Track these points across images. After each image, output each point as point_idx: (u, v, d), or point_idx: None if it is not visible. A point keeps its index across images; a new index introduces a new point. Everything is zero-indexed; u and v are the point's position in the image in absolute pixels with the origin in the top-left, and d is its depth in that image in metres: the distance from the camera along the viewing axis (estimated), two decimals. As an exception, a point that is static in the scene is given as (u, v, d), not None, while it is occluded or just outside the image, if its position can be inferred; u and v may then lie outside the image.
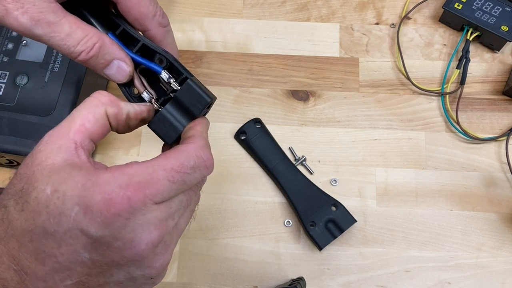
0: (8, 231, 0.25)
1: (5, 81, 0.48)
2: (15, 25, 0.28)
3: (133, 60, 0.32)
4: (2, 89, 0.48)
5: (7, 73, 0.49)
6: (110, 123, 0.28)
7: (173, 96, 0.31)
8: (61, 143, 0.26)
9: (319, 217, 0.49)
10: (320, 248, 0.49)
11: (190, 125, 0.31)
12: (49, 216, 0.24)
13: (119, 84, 0.33)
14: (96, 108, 0.27)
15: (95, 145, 0.28)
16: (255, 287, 0.49)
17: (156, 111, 0.32)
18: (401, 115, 0.55)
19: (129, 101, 0.32)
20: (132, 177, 0.25)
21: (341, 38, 0.59)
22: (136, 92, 0.33)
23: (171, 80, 0.31)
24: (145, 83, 0.32)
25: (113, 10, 0.34)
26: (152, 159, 0.27)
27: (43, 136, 0.27)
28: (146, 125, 0.32)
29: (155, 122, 0.31)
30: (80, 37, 0.29)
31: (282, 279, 0.49)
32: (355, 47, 0.58)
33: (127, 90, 0.33)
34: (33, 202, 0.24)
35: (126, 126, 0.30)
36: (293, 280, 0.48)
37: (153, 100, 0.32)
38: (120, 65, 0.31)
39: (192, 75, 0.32)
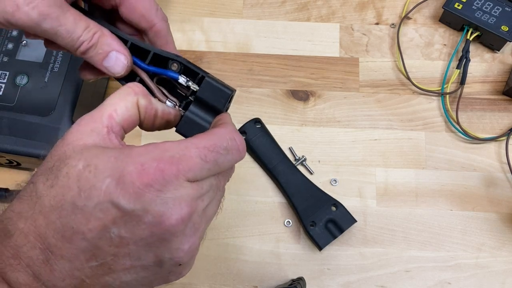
0: (36, 207, 0.24)
1: (5, 81, 0.48)
2: (25, 20, 0.28)
3: (149, 71, 0.32)
4: (2, 89, 0.48)
5: (7, 73, 0.49)
6: (139, 114, 0.29)
7: (195, 96, 0.32)
8: (94, 126, 0.26)
9: (319, 217, 0.49)
10: (320, 248, 0.49)
11: (217, 118, 0.31)
12: (80, 190, 0.24)
13: None
14: (128, 96, 0.28)
15: (125, 133, 0.28)
16: (255, 287, 0.49)
17: (181, 117, 0.32)
18: (401, 115, 0.55)
19: None
20: (166, 151, 0.25)
21: (341, 38, 0.59)
22: None
23: (190, 83, 0.32)
24: (166, 92, 0.33)
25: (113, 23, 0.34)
26: (185, 139, 0.27)
27: (76, 121, 0.27)
28: (143, 129, 0.32)
29: (182, 125, 0.32)
30: (83, 27, 0.30)
31: (282, 279, 0.49)
32: (355, 47, 0.58)
33: None
34: (63, 177, 0.24)
35: (151, 123, 0.30)
36: (293, 280, 0.48)
37: (176, 106, 0.32)
38: (118, 56, 0.31)
39: (207, 73, 0.32)
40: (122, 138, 0.28)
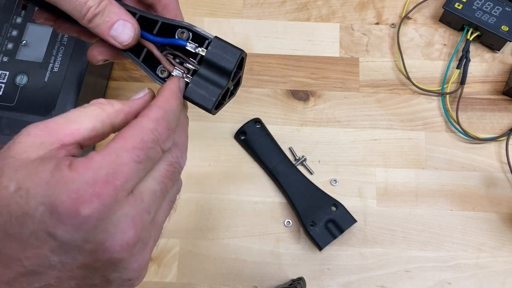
0: None
1: (5, 81, 0.48)
2: None
3: (157, 43, 0.32)
4: (2, 89, 0.48)
5: (7, 73, 0.49)
6: (117, 129, 0.27)
7: (203, 59, 0.30)
8: (45, 140, 0.24)
9: (319, 217, 0.49)
10: (320, 248, 0.49)
11: (159, 89, 0.29)
12: (11, 216, 0.22)
13: (146, 70, 0.32)
14: (99, 116, 0.26)
15: (83, 149, 0.26)
16: (255, 287, 0.49)
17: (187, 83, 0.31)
18: (401, 115, 0.55)
19: (160, 84, 0.32)
20: (98, 170, 0.22)
21: (341, 38, 0.59)
22: (164, 74, 0.32)
23: (198, 49, 0.31)
24: (174, 62, 0.31)
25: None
26: (109, 143, 0.24)
27: (27, 127, 0.25)
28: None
29: (190, 91, 0.30)
30: None
31: (282, 279, 0.49)
32: (355, 47, 0.58)
33: (155, 74, 0.32)
34: None
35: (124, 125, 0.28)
36: (293, 280, 0.48)
37: (184, 74, 0.31)
38: (126, 25, 0.30)
39: (217, 36, 0.31)
40: (75, 155, 0.25)
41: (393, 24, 0.60)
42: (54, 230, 0.22)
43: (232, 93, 0.34)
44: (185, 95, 0.31)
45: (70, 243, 0.22)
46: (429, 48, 0.58)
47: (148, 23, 0.32)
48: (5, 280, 0.22)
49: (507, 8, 0.55)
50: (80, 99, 0.49)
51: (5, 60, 0.49)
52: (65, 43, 0.50)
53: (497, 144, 0.54)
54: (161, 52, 0.32)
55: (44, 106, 0.47)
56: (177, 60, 0.32)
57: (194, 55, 0.31)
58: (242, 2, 0.61)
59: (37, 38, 0.50)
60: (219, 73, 0.30)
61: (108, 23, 0.30)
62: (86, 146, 0.26)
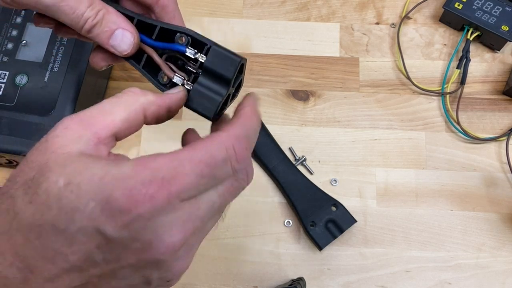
0: (13, 224, 0.22)
1: (5, 81, 0.48)
2: None
3: (156, 47, 0.32)
4: (2, 89, 0.48)
5: (7, 73, 0.49)
6: (146, 121, 0.27)
7: (203, 67, 0.30)
8: (82, 133, 0.24)
9: (319, 217, 0.49)
10: (320, 248, 0.49)
11: (240, 106, 0.28)
12: (61, 211, 0.22)
13: (147, 76, 0.32)
14: (132, 106, 0.25)
15: (118, 141, 0.26)
16: (255, 287, 0.49)
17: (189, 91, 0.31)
18: (401, 115, 0.55)
19: (161, 90, 0.31)
20: (156, 172, 0.22)
21: (341, 38, 0.59)
22: (165, 80, 0.31)
23: (198, 55, 0.30)
24: (174, 67, 0.31)
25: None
26: (178, 150, 0.24)
27: (62, 120, 0.24)
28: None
29: (191, 100, 0.30)
30: (87, 4, 0.29)
31: (282, 279, 0.49)
32: (355, 47, 0.58)
33: (156, 80, 0.32)
34: (43, 194, 0.22)
35: (162, 119, 0.28)
36: (293, 280, 0.48)
37: (185, 81, 0.31)
38: (124, 34, 0.30)
39: (216, 43, 0.31)
40: (113, 147, 0.25)
41: (393, 24, 0.60)
42: (103, 227, 0.21)
43: (234, 96, 0.34)
44: (186, 104, 0.30)
45: (118, 241, 0.22)
46: (429, 48, 0.58)
47: (147, 27, 0.32)
48: (47, 276, 0.22)
49: (507, 8, 0.55)
50: (80, 99, 0.49)
51: (5, 60, 0.49)
52: (65, 43, 0.50)
53: (497, 144, 0.54)
54: (161, 55, 0.32)
55: (44, 106, 0.47)
56: (179, 62, 0.32)
57: (194, 60, 0.31)
58: (242, 2, 0.61)
59: (37, 38, 0.50)
60: (219, 81, 0.30)
61: (107, 33, 0.30)
62: (121, 138, 0.26)
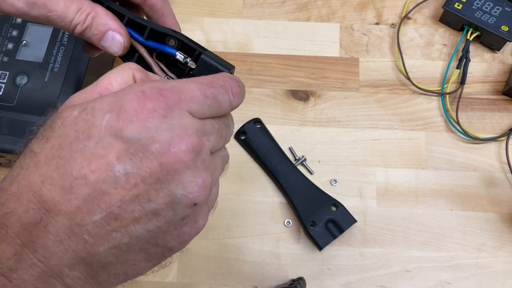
0: (31, 166, 0.22)
1: (5, 81, 0.48)
2: (12, 10, 0.28)
3: (147, 46, 0.32)
4: (2, 89, 0.48)
5: (7, 73, 0.49)
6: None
7: (192, 74, 0.31)
8: (87, 95, 0.25)
9: (319, 217, 0.49)
10: (320, 248, 0.49)
11: None
12: (78, 133, 0.22)
13: None
14: (124, 71, 0.26)
15: None
16: (255, 287, 0.49)
17: None
18: (401, 115, 0.55)
19: None
20: (165, 83, 0.24)
21: (341, 38, 0.59)
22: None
23: (188, 60, 0.31)
24: (164, 68, 0.32)
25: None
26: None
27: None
28: None
29: None
30: (75, 10, 0.30)
31: (282, 279, 0.49)
32: (355, 47, 0.58)
33: None
34: (59, 128, 0.22)
35: None
36: (293, 280, 0.48)
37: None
38: (114, 36, 0.31)
39: (205, 49, 0.31)
40: None
41: (393, 24, 0.60)
42: (120, 131, 0.22)
43: None
44: None
45: (136, 143, 0.22)
46: (429, 48, 0.58)
47: (138, 25, 0.32)
48: (64, 210, 0.21)
49: (507, 8, 0.55)
50: (80, 99, 0.49)
51: (5, 60, 0.49)
52: (65, 43, 0.50)
53: (497, 144, 0.54)
54: (152, 52, 0.32)
55: (44, 106, 0.47)
56: (163, 62, 0.32)
57: (185, 63, 0.32)
58: (242, 2, 0.61)
59: (37, 38, 0.50)
60: None
61: (97, 35, 0.31)
62: None
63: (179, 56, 0.31)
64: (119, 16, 0.32)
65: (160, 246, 0.24)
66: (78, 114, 0.23)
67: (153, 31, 0.32)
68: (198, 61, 0.31)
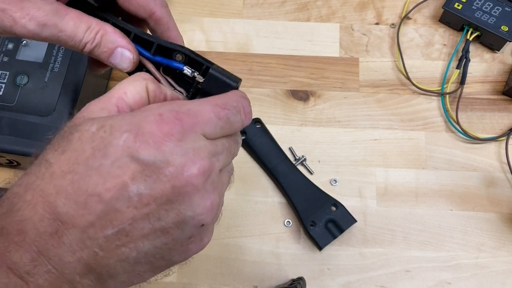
0: (46, 176, 0.23)
1: (5, 81, 0.48)
2: (24, 32, 0.29)
3: (155, 61, 0.33)
4: (2, 89, 0.48)
5: (7, 73, 0.49)
6: (148, 99, 0.28)
7: (200, 88, 0.32)
8: (104, 106, 0.26)
9: (319, 217, 0.49)
10: (320, 248, 0.49)
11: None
12: (94, 150, 0.22)
13: None
14: (137, 81, 0.27)
15: None
16: (255, 287, 0.49)
17: None
18: (401, 115, 0.55)
19: None
20: (182, 105, 0.25)
21: (341, 38, 0.59)
22: None
23: (195, 74, 0.32)
24: (172, 82, 0.33)
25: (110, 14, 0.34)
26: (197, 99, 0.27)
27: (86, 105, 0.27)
28: None
29: None
30: (84, 29, 0.30)
31: (282, 279, 0.49)
32: (355, 47, 0.58)
33: None
34: (76, 141, 0.23)
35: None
36: (293, 280, 0.48)
37: (182, 96, 0.32)
38: (123, 52, 0.31)
39: (212, 63, 0.32)
40: None
41: (393, 24, 0.60)
42: (137, 153, 0.22)
43: None
44: None
45: (152, 165, 0.22)
46: (429, 48, 0.58)
47: (144, 41, 0.33)
48: (78, 224, 0.22)
49: (507, 8, 0.56)
50: (80, 99, 0.49)
51: (6, 60, 0.49)
52: (65, 43, 0.50)
53: (497, 144, 0.54)
54: (159, 66, 0.33)
55: (44, 106, 0.47)
56: (170, 76, 0.33)
57: (192, 77, 0.32)
58: (242, 2, 0.61)
59: (37, 38, 0.50)
60: None
61: (106, 53, 0.31)
62: (135, 108, 0.27)
63: (187, 70, 0.32)
64: (126, 33, 0.33)
65: (166, 260, 0.25)
66: (96, 131, 0.23)
67: (160, 47, 0.32)
68: (206, 76, 0.31)
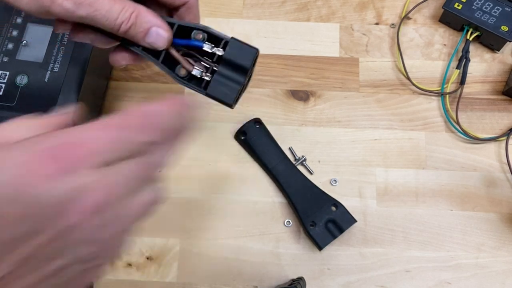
0: None
1: (5, 81, 0.48)
2: (61, 11, 0.30)
3: (175, 44, 0.34)
4: (2, 89, 0.48)
5: (7, 73, 0.49)
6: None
7: (222, 58, 0.33)
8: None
9: (319, 217, 0.49)
10: (320, 248, 0.49)
11: None
12: None
13: (167, 71, 0.34)
14: (18, 126, 0.25)
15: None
16: (255, 287, 0.49)
17: (208, 82, 0.33)
18: (401, 115, 0.55)
19: (181, 83, 0.34)
20: (68, 135, 0.21)
21: (341, 38, 0.59)
22: (183, 73, 0.34)
23: (215, 49, 0.33)
24: (192, 61, 0.34)
25: None
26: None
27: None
28: None
29: (212, 89, 0.33)
30: (119, 10, 0.31)
31: (282, 279, 0.49)
32: (355, 47, 0.58)
33: (175, 73, 0.34)
34: None
35: None
36: (293, 280, 0.48)
37: (203, 73, 0.33)
38: (158, 31, 0.32)
39: (232, 37, 0.33)
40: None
41: (393, 24, 0.60)
42: (17, 193, 0.19)
43: (245, 87, 0.36)
44: (207, 93, 0.33)
45: (34, 206, 0.19)
46: (429, 48, 0.58)
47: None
48: None
49: (507, 8, 0.56)
50: (80, 99, 0.49)
51: (6, 60, 0.49)
52: (65, 43, 0.50)
53: (497, 144, 0.54)
54: (178, 52, 0.34)
55: (45, 106, 0.47)
56: (194, 59, 0.34)
57: (210, 54, 0.33)
58: (242, 2, 0.61)
59: (37, 38, 0.50)
60: (237, 70, 0.33)
61: (142, 33, 0.32)
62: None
63: (207, 46, 0.33)
64: None
65: None
66: None
67: (179, 29, 0.34)
68: (230, 42, 0.33)
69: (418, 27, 0.59)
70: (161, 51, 0.34)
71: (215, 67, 0.34)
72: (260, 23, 0.60)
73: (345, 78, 0.57)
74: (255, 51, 0.33)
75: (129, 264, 0.50)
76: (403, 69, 0.57)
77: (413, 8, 0.60)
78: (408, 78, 0.56)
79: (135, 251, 0.50)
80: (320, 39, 0.59)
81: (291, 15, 0.60)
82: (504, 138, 0.54)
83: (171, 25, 0.33)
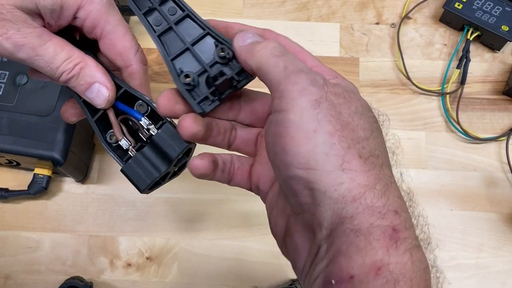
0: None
1: (5, 81, 0.48)
2: (1, 51, 0.29)
3: (116, 107, 0.32)
4: (2, 89, 0.48)
5: (7, 73, 0.48)
6: None
7: (150, 140, 0.31)
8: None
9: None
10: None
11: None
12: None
13: (96, 131, 0.32)
14: None
15: None
16: (255, 287, 0.49)
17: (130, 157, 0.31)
18: (401, 115, 0.55)
19: (106, 149, 0.32)
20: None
21: (341, 38, 0.59)
22: (113, 139, 0.32)
23: (151, 127, 0.31)
24: (125, 131, 0.32)
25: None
26: None
27: None
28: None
29: (129, 167, 0.30)
30: (63, 58, 0.30)
31: (282, 279, 0.49)
32: (355, 47, 0.58)
33: (104, 137, 0.32)
34: None
35: None
36: (293, 280, 0.48)
37: (131, 147, 0.31)
38: (100, 89, 0.31)
39: (172, 121, 0.31)
40: None
41: (393, 24, 0.60)
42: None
43: (176, 174, 0.34)
44: (122, 170, 0.31)
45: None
46: (429, 48, 0.58)
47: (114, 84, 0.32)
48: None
49: (507, 8, 0.55)
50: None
51: (5, 60, 0.49)
52: (65, 43, 0.50)
53: (497, 144, 0.54)
54: (118, 115, 0.32)
55: (44, 106, 0.47)
56: (134, 126, 0.32)
57: (147, 129, 0.31)
58: (242, 2, 0.61)
59: (37, 38, 0.50)
60: (162, 157, 0.30)
61: (83, 86, 0.31)
62: None
63: (144, 121, 0.31)
64: None
65: None
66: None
67: (126, 93, 0.32)
68: (162, 128, 0.30)
69: (418, 27, 0.59)
70: (99, 109, 0.32)
71: (144, 145, 0.31)
72: (260, 23, 0.60)
73: (345, 77, 0.57)
74: (186, 146, 0.30)
75: (129, 264, 0.50)
76: (403, 69, 0.57)
77: (414, 8, 0.60)
78: (409, 78, 0.56)
79: (135, 251, 0.50)
80: (320, 39, 0.59)
81: (291, 14, 0.60)
82: (505, 138, 0.54)
83: (118, 87, 0.32)
